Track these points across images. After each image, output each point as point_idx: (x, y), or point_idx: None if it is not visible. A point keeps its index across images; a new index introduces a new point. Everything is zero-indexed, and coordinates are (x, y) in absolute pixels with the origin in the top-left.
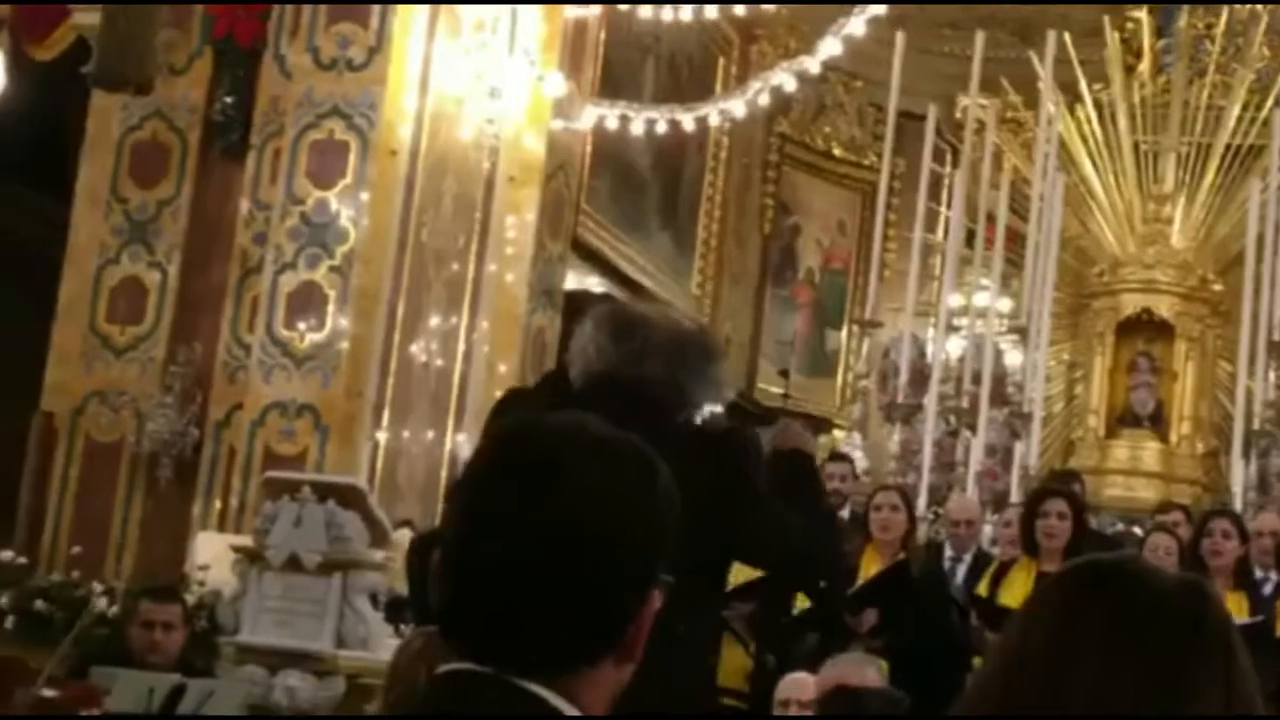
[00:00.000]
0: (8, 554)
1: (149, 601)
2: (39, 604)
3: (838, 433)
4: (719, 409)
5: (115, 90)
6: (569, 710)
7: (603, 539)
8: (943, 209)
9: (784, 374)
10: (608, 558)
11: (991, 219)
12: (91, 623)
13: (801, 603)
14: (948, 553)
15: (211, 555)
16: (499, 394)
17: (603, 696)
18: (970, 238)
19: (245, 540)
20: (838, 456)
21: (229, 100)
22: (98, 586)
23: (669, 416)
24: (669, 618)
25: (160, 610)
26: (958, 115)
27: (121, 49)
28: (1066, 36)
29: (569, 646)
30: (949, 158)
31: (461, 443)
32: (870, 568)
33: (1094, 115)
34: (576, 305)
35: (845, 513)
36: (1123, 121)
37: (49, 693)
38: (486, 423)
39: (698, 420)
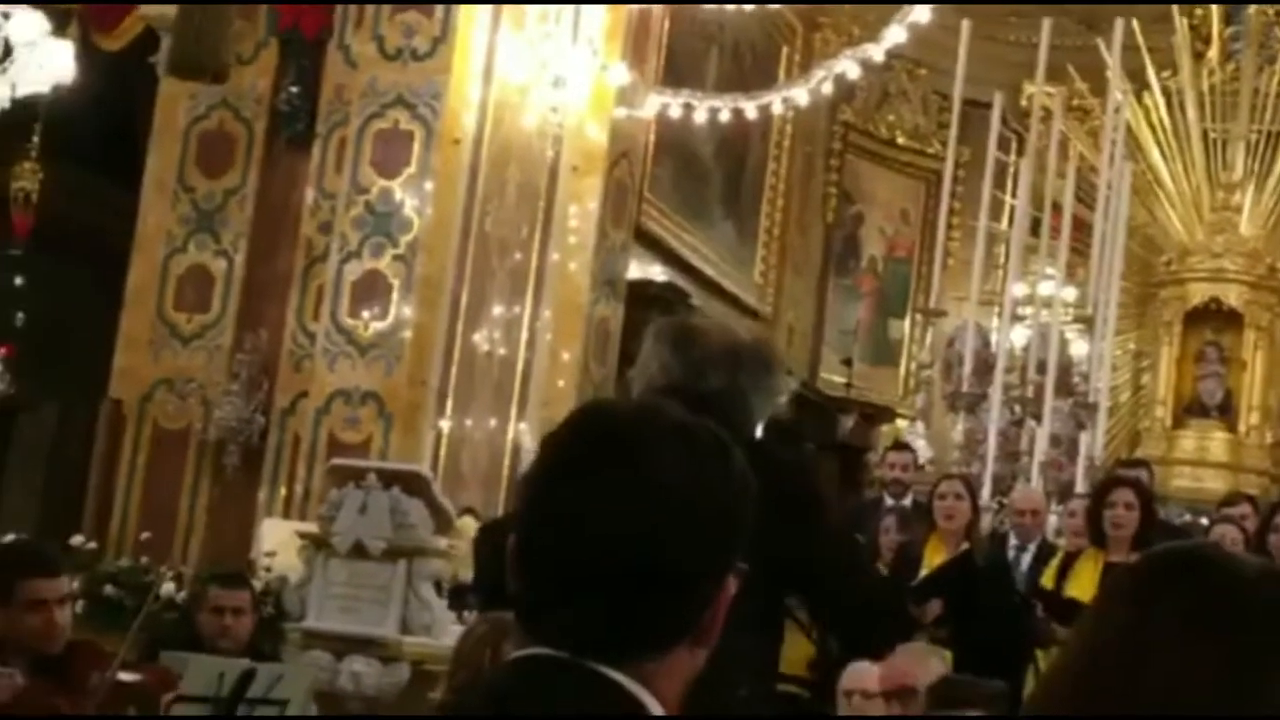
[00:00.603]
0: (78, 539)
1: (218, 587)
2: (108, 589)
3: (900, 422)
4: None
5: (191, 79)
6: (644, 696)
7: (681, 523)
8: (1007, 197)
9: (847, 363)
10: (686, 542)
11: (1057, 207)
12: (160, 607)
13: None
14: (1011, 542)
15: (276, 542)
16: (560, 383)
17: (677, 681)
18: (1035, 226)
19: (310, 527)
20: (900, 445)
21: (294, 90)
22: (166, 572)
23: (734, 427)
24: (738, 609)
25: (229, 596)
26: (1023, 103)
27: (197, 38)
28: (1134, 23)
29: (645, 631)
30: (1014, 146)
31: (523, 431)
32: (934, 557)
33: (1162, 103)
34: (639, 294)
35: (908, 501)
36: (1191, 109)
37: (125, 676)
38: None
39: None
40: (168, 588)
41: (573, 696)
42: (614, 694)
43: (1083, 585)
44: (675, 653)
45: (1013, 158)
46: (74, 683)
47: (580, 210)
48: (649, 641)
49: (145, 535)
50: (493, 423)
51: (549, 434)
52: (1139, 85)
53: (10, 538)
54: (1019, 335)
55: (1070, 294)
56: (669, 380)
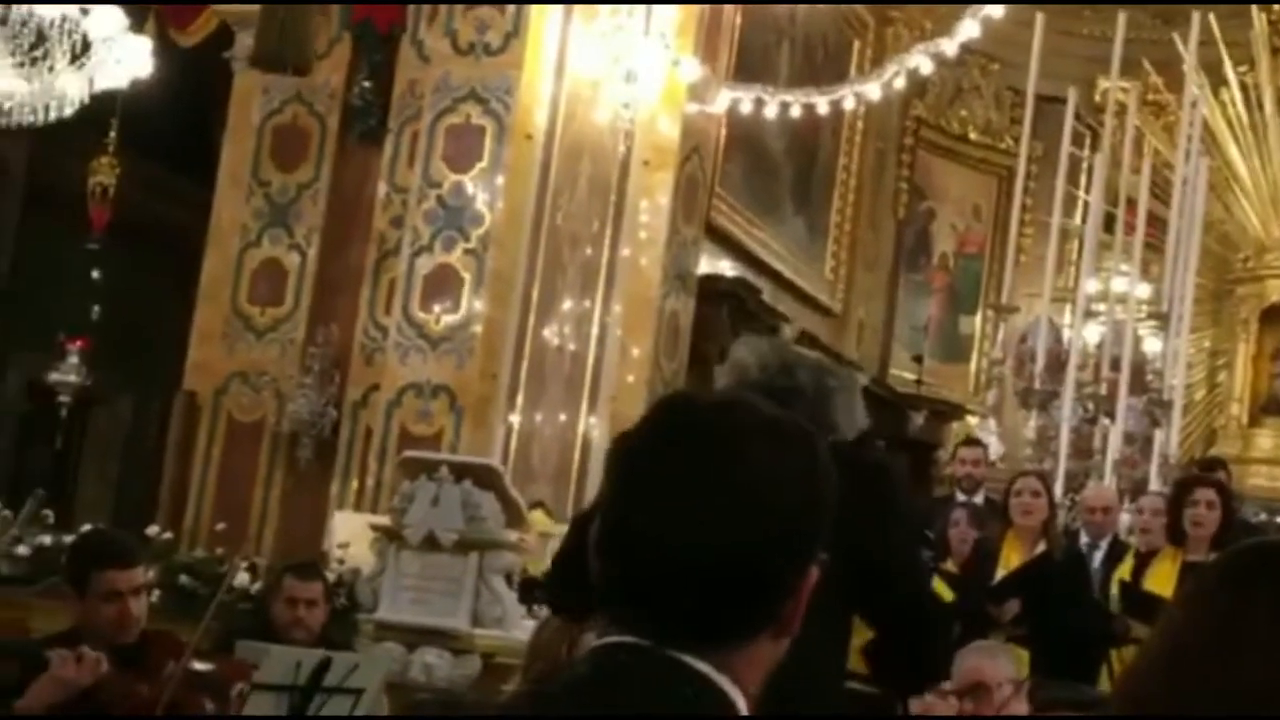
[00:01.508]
0: (153, 529)
1: (292, 578)
2: (183, 579)
3: (971, 419)
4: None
5: (275, 71)
6: (727, 685)
7: (766, 514)
8: (1081, 193)
9: (917, 359)
10: (770, 533)
11: (1132, 203)
12: (234, 598)
13: (942, 592)
14: (1083, 539)
15: (348, 534)
16: (630, 377)
17: (758, 671)
18: (1109, 222)
19: (381, 519)
20: (972, 441)
21: (367, 85)
22: (240, 562)
23: (817, 425)
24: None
25: (304, 587)
26: (1097, 98)
27: (282, 31)
28: (1211, 17)
29: (729, 620)
30: (1088, 141)
31: (593, 426)
32: (1011, 554)
33: (1239, 98)
34: (709, 289)
35: (979, 498)
36: (1269, 104)
37: (200, 666)
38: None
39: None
40: (242, 578)
41: (656, 685)
42: (697, 682)
43: (1160, 584)
44: (757, 642)
45: (1086, 153)
46: (150, 672)
47: (651, 205)
48: (732, 631)
49: (220, 526)
50: (563, 417)
51: (635, 424)
52: (1215, 80)
53: (86, 528)
54: (1092, 332)
55: (1144, 291)
56: (761, 375)
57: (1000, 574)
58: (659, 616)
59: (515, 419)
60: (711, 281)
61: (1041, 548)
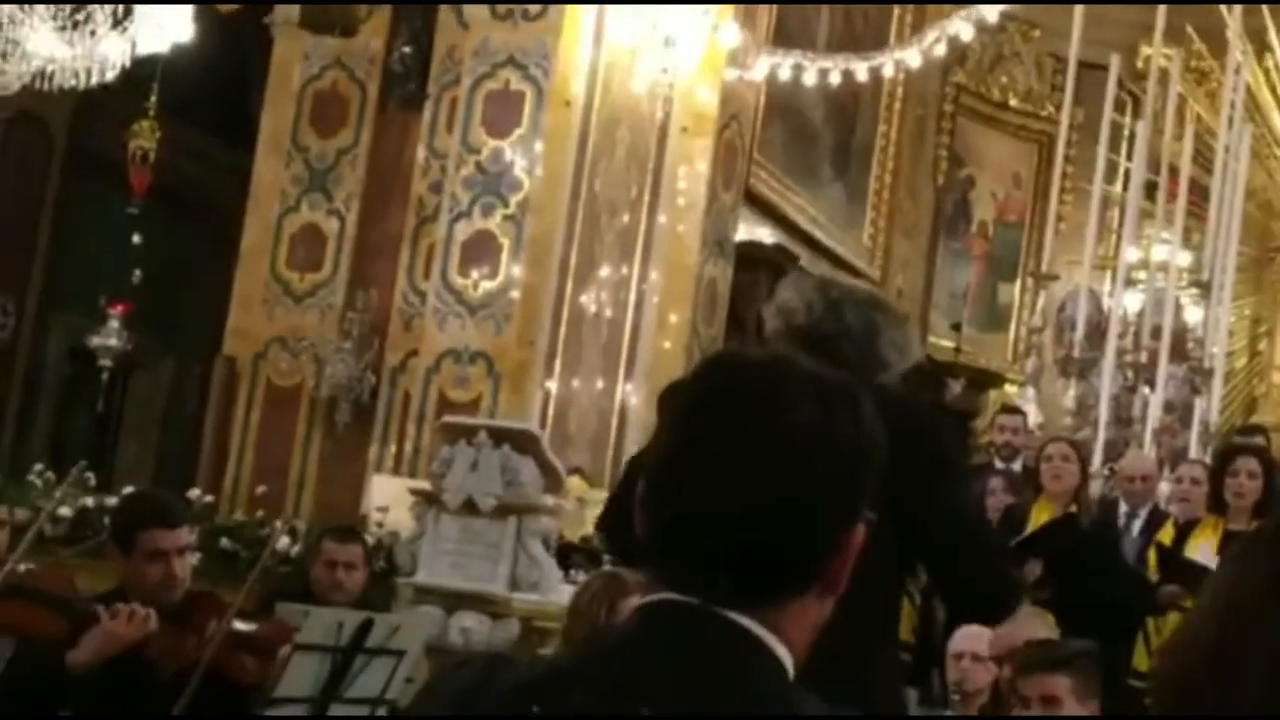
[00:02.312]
0: (194, 492)
1: (332, 541)
2: (224, 542)
3: (1009, 388)
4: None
5: (322, 33)
6: (774, 642)
7: (813, 470)
8: (1122, 160)
9: (956, 327)
10: (816, 490)
11: (1174, 170)
12: (274, 561)
13: None
14: (1122, 509)
15: (387, 498)
16: (667, 344)
17: (805, 629)
18: (1151, 190)
19: (419, 483)
20: (1010, 409)
21: (407, 50)
22: (281, 526)
23: (868, 373)
24: (864, 560)
25: (343, 550)
26: (1139, 65)
27: None
28: None
29: (776, 578)
30: (1129, 108)
31: (630, 393)
32: (1040, 519)
33: None
34: (747, 256)
35: (1017, 465)
36: None
37: (241, 626)
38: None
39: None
40: (282, 542)
41: (703, 642)
42: (744, 640)
43: (1201, 553)
44: (804, 600)
45: (1128, 120)
46: (193, 631)
47: (690, 172)
48: (779, 588)
49: (261, 489)
50: (600, 384)
51: (681, 383)
52: (1259, 46)
53: (128, 490)
54: (1133, 300)
55: (1186, 258)
56: (808, 320)
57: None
58: (705, 574)
59: (553, 385)
60: (750, 248)
61: (1063, 512)
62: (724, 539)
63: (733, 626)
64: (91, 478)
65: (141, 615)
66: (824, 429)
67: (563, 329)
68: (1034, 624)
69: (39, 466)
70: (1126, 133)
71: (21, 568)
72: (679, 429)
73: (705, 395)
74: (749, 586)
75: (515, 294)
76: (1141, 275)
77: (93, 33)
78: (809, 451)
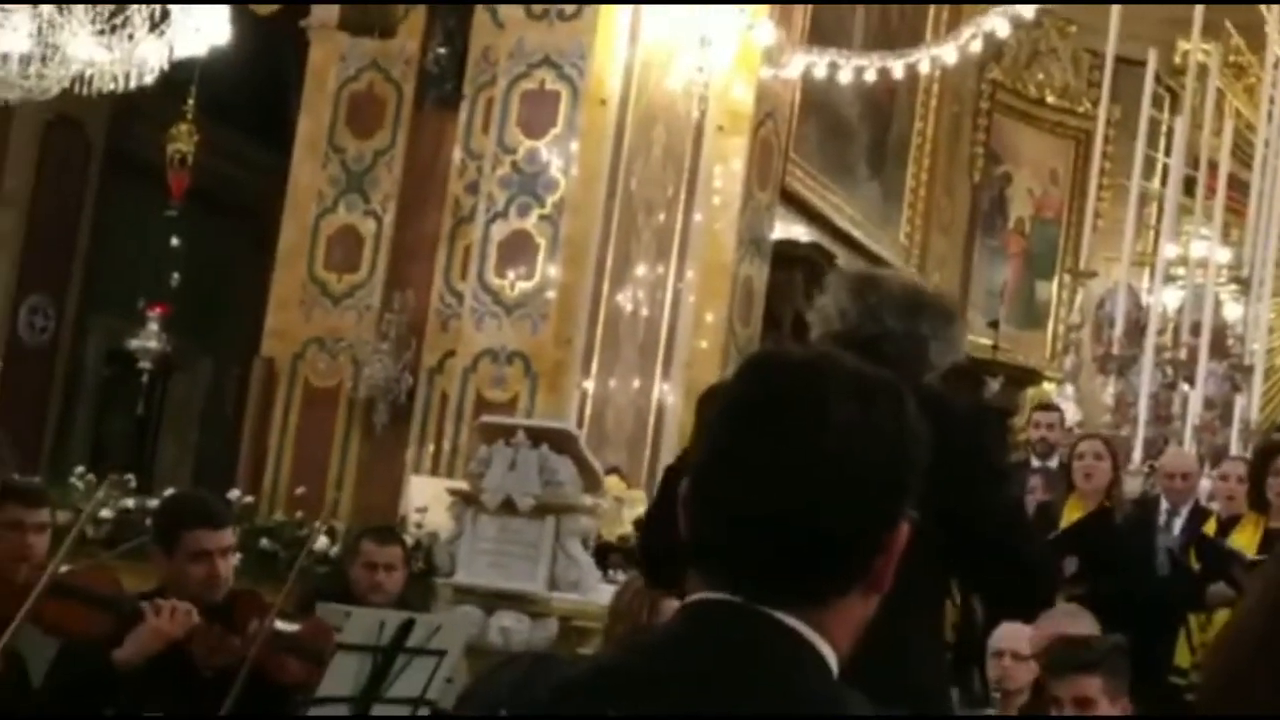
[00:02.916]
0: (234, 493)
1: (371, 543)
2: (263, 542)
3: (1047, 385)
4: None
5: (361, 34)
6: (819, 641)
7: (854, 470)
8: (1160, 156)
9: (993, 325)
10: (859, 488)
11: (1213, 166)
12: (313, 562)
13: None
14: (1163, 506)
15: (425, 498)
16: (704, 343)
17: (850, 628)
18: (1190, 186)
19: (457, 484)
20: (1046, 405)
21: (442, 51)
22: (320, 526)
23: (911, 373)
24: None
25: (382, 551)
26: (1177, 60)
27: None
28: None
29: (820, 577)
30: (1167, 103)
31: (667, 392)
32: (1072, 516)
33: None
34: (784, 255)
35: (1053, 462)
36: None
37: (283, 625)
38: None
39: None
40: (321, 542)
41: (747, 640)
42: (788, 638)
43: (1243, 549)
44: (848, 599)
45: (1165, 115)
46: (235, 631)
47: (725, 170)
48: (823, 588)
49: (300, 490)
50: (637, 383)
51: (720, 387)
52: None
53: (169, 491)
54: (1172, 297)
55: (1225, 255)
56: (845, 325)
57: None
58: (750, 574)
59: (589, 385)
60: (786, 246)
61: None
62: (768, 539)
63: (777, 624)
64: (131, 480)
65: (184, 610)
66: (865, 428)
67: (599, 328)
68: (1076, 622)
69: (80, 469)
70: (1164, 128)
71: (63, 569)
72: (722, 430)
73: (747, 396)
74: (793, 586)
75: (552, 294)
76: (1180, 271)
77: (130, 36)
78: (850, 451)
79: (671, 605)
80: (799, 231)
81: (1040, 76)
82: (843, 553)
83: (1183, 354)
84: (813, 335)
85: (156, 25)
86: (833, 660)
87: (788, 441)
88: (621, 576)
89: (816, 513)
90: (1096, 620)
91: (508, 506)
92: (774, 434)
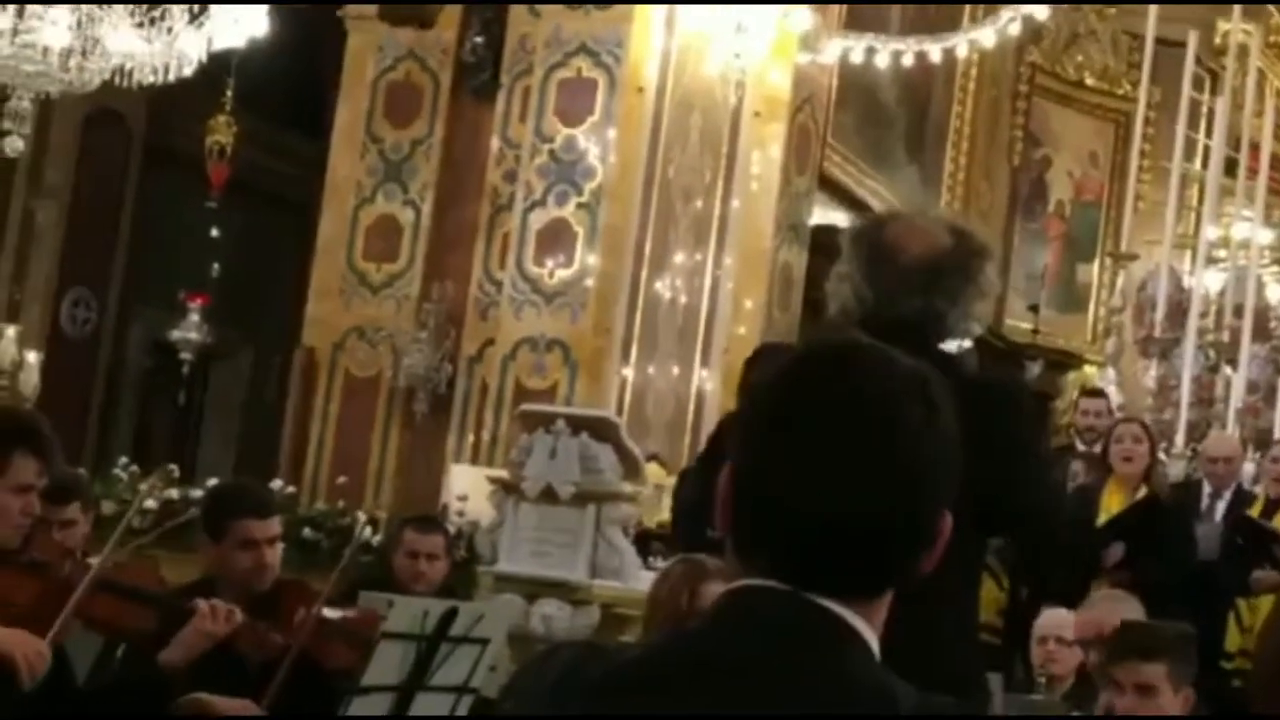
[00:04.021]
0: (276, 483)
1: (413, 531)
2: (306, 531)
3: (1088, 369)
4: (969, 343)
5: (401, 24)
6: (865, 630)
7: (923, 471)
8: (1201, 137)
9: (1033, 309)
10: (925, 489)
11: (1254, 147)
12: (355, 550)
13: None
14: (1205, 490)
15: (465, 487)
16: (742, 329)
17: (884, 616)
18: (1231, 167)
19: (497, 472)
20: (1094, 392)
21: (479, 40)
22: (362, 515)
23: (928, 353)
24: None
25: (425, 540)
26: (1217, 41)
27: None
28: None
29: (876, 572)
30: (1207, 85)
31: (706, 379)
32: (1111, 501)
33: None
34: (822, 240)
35: (1099, 449)
36: None
37: (330, 613)
38: (743, 376)
39: (953, 346)
40: (364, 531)
41: (795, 627)
42: (837, 626)
43: None
44: (891, 590)
45: (1206, 97)
46: (282, 619)
47: (763, 156)
48: (875, 581)
49: (342, 479)
50: (676, 370)
51: (770, 372)
52: None
53: (211, 482)
54: (1214, 279)
55: (1267, 236)
56: (863, 309)
57: (1101, 520)
58: (803, 567)
59: (629, 372)
60: (824, 232)
61: (1143, 494)
62: (829, 537)
63: (825, 612)
64: (175, 470)
65: (225, 610)
66: (929, 429)
67: (638, 316)
68: (1121, 607)
69: (124, 460)
70: (1205, 109)
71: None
72: (770, 423)
73: (794, 390)
74: (846, 578)
75: (590, 282)
76: (1222, 253)
77: (169, 29)
78: (917, 452)
79: (713, 591)
80: (837, 217)
81: (1079, 59)
82: (900, 549)
83: (1225, 336)
84: (830, 310)
85: (195, 17)
86: (876, 648)
87: (858, 443)
88: (662, 563)
89: (881, 513)
90: (1143, 606)
91: (548, 495)
92: (844, 436)
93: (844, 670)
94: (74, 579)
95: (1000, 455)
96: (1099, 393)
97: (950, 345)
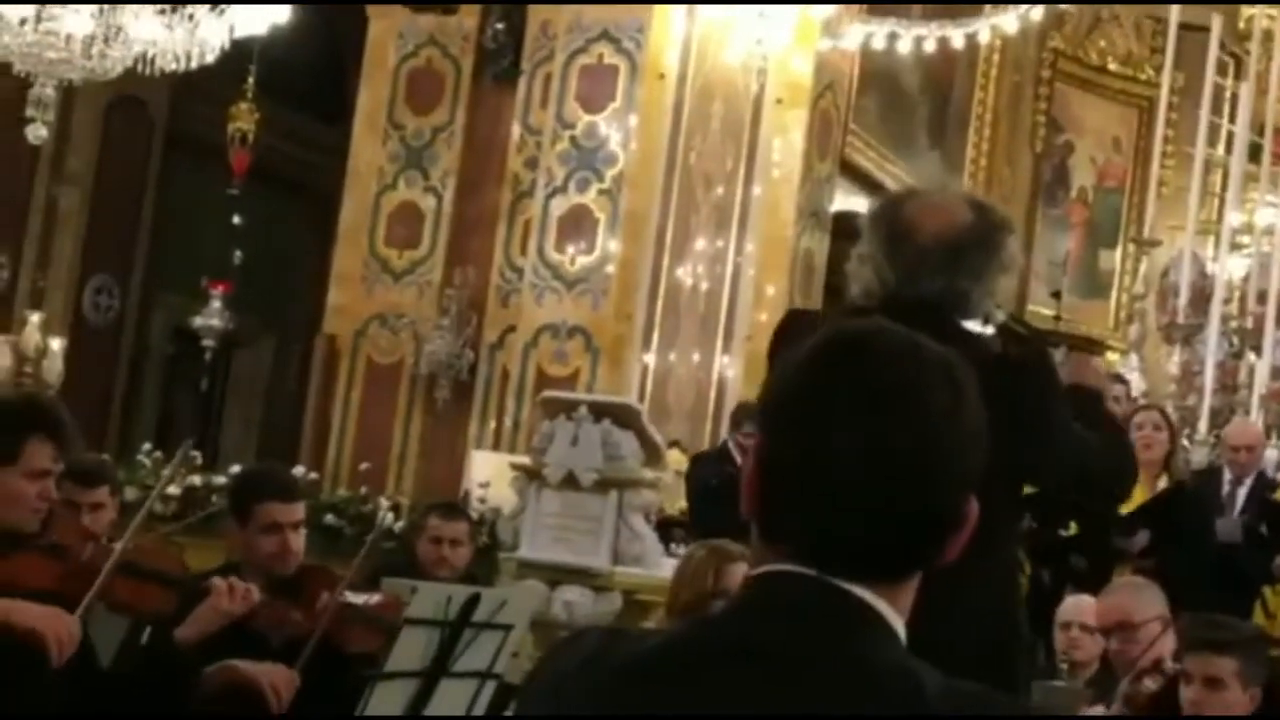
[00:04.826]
0: (299, 469)
1: (438, 518)
2: (329, 518)
3: (1111, 355)
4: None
5: (424, 9)
6: (891, 615)
7: (953, 457)
8: (1224, 123)
9: (1056, 295)
10: (955, 474)
11: (1278, 132)
12: (378, 536)
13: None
14: (1226, 477)
15: (486, 473)
16: (764, 316)
17: (910, 600)
18: (1255, 152)
19: (519, 458)
20: (1113, 377)
21: (500, 27)
22: (384, 502)
23: (951, 334)
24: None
25: (449, 526)
26: (1241, 25)
27: None
28: None
29: (905, 558)
30: (1231, 70)
31: (727, 365)
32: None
33: None
34: (844, 226)
35: None
36: None
37: (353, 598)
38: (772, 346)
39: (976, 326)
40: (387, 517)
41: (821, 612)
42: (863, 611)
43: None
44: (917, 574)
45: (1230, 82)
46: (305, 603)
47: (785, 143)
48: (903, 566)
49: (364, 466)
50: (697, 356)
51: (797, 354)
52: None
53: (235, 468)
54: (1237, 265)
55: None
56: (885, 289)
57: (1124, 508)
58: (831, 553)
59: (650, 359)
60: (846, 218)
61: (1163, 482)
62: (859, 524)
63: (851, 597)
64: (198, 456)
65: (242, 589)
66: (958, 415)
67: (659, 302)
68: (1141, 594)
69: (147, 446)
70: (1229, 94)
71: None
72: (798, 406)
73: (830, 377)
74: (875, 565)
75: (612, 268)
76: (1246, 239)
77: (191, 16)
78: (947, 438)
79: (736, 575)
80: (859, 203)
81: (1102, 44)
82: (926, 534)
83: (1249, 323)
84: (852, 292)
85: (217, 4)
86: (902, 632)
87: (883, 428)
88: (683, 550)
89: (907, 497)
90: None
91: (570, 481)
92: (869, 420)
93: (869, 655)
94: (95, 562)
95: (1031, 433)
96: (1118, 378)
97: (974, 324)
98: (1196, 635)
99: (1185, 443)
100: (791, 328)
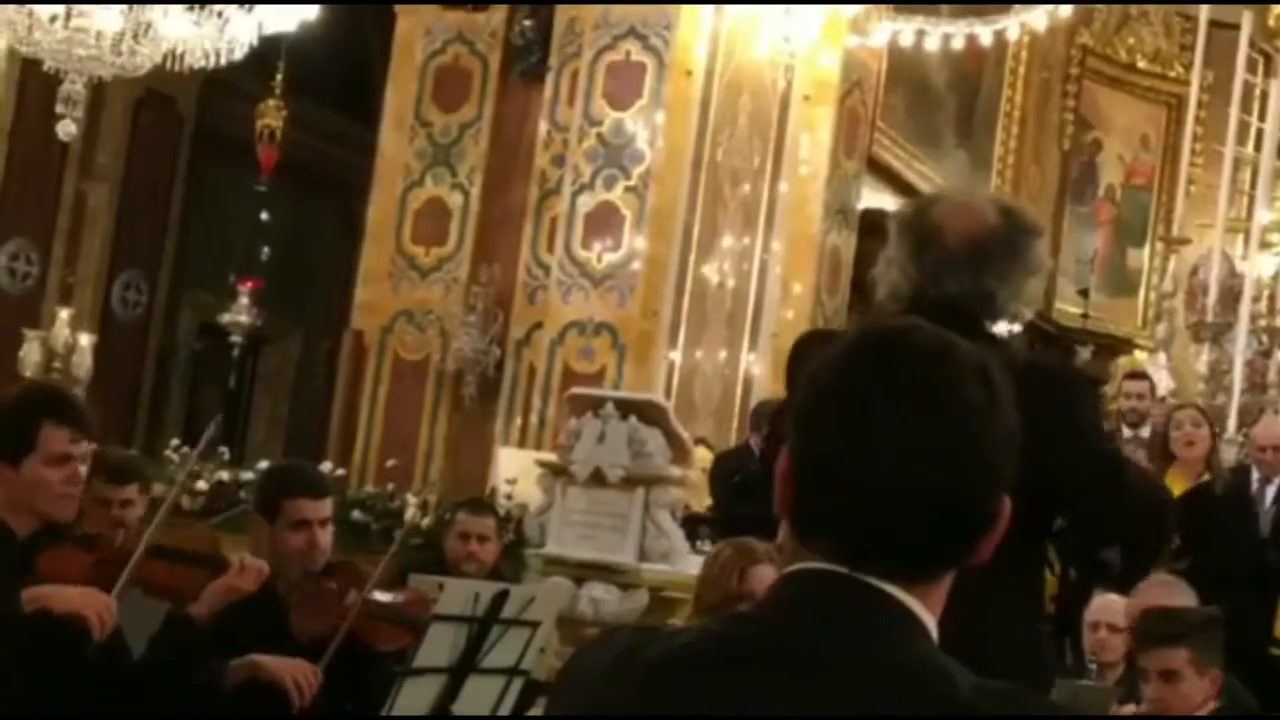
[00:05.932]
0: (326, 466)
1: (466, 514)
2: (356, 514)
3: (1139, 354)
4: (1019, 327)
5: (453, 6)
6: (923, 614)
7: (987, 454)
8: (1254, 120)
9: (1083, 293)
10: (989, 472)
11: None
12: (408, 533)
13: None
14: (1254, 476)
15: (513, 470)
16: (790, 314)
17: (942, 600)
18: None
19: (546, 455)
20: (1136, 374)
21: (528, 23)
22: (412, 499)
23: (977, 333)
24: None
25: (477, 522)
26: (1271, 22)
27: None
28: None
29: (938, 557)
30: (1261, 67)
31: (754, 363)
32: (1175, 487)
33: None
34: (871, 224)
35: (1145, 432)
36: None
37: (382, 595)
38: (789, 368)
39: (1002, 329)
40: (414, 514)
41: (854, 610)
42: (896, 610)
43: None
44: (950, 573)
45: (1260, 79)
46: (333, 600)
47: (812, 140)
48: (937, 564)
49: (392, 463)
50: (723, 354)
51: (828, 355)
52: None
53: (262, 464)
54: (1267, 263)
55: None
56: (911, 289)
57: None
58: (865, 550)
59: (677, 356)
60: (873, 216)
61: (1199, 480)
62: (894, 521)
63: (884, 595)
64: (225, 451)
65: (254, 565)
66: (991, 412)
67: (686, 300)
68: (1172, 593)
69: (175, 442)
70: (1258, 92)
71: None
72: (830, 404)
73: (866, 373)
74: (908, 563)
75: (638, 265)
76: (1276, 238)
77: (220, 13)
78: (981, 436)
79: (762, 573)
80: (886, 201)
81: (1131, 41)
82: (960, 531)
83: (1278, 321)
84: (879, 295)
85: (246, 1)
86: (935, 631)
87: (919, 423)
88: (709, 547)
89: (941, 494)
90: (1195, 593)
91: (597, 478)
92: (905, 415)
93: (903, 654)
94: (126, 549)
95: (1057, 440)
96: (1141, 375)
97: (999, 328)
98: (1146, 630)
99: None
100: (807, 348)
